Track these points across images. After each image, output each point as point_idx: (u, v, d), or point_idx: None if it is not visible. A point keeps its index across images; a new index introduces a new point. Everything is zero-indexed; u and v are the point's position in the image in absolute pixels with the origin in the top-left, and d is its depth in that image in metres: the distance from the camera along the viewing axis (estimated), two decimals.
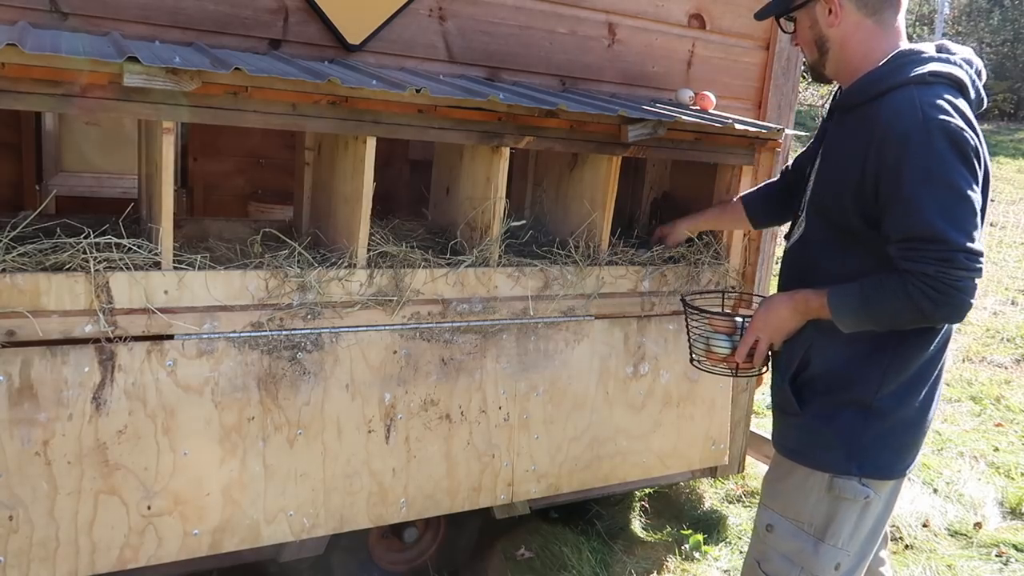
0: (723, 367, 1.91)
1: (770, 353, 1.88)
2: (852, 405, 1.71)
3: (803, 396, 1.78)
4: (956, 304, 1.53)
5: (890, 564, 2.07)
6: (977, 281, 1.54)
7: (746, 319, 1.88)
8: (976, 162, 1.56)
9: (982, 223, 1.64)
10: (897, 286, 1.56)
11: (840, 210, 1.68)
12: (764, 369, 1.91)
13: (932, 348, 1.71)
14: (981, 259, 1.54)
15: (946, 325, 1.71)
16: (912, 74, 1.62)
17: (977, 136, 1.59)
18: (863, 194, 1.63)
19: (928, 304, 1.53)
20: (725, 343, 1.89)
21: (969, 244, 1.52)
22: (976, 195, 1.55)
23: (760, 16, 1.91)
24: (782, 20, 1.86)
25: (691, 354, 1.98)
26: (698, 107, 2.71)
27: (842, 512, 1.74)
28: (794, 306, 1.77)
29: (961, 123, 1.55)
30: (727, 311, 2.11)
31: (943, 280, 1.51)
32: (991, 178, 1.66)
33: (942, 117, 1.54)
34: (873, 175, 1.60)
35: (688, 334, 1.98)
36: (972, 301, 1.55)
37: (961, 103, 1.60)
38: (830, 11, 1.72)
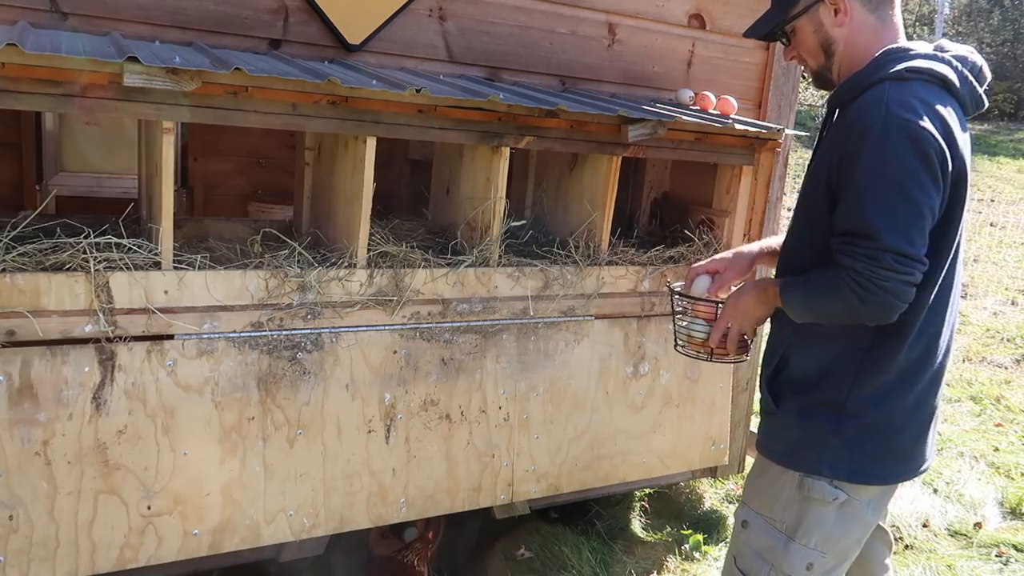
0: (700, 352, 1.95)
1: (748, 342, 1.91)
2: (825, 405, 1.71)
3: (780, 395, 1.79)
4: (881, 303, 1.53)
5: (893, 570, 2.05)
6: (910, 285, 1.53)
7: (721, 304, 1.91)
8: (939, 165, 1.53)
9: (957, 225, 1.62)
10: (831, 280, 1.57)
11: (816, 207, 1.69)
12: (744, 357, 1.94)
13: (914, 354, 1.68)
14: (915, 264, 1.52)
15: (934, 329, 1.69)
16: (890, 71, 1.60)
17: (948, 136, 1.55)
18: (830, 188, 1.63)
19: (855, 300, 1.54)
20: (704, 328, 1.92)
21: (903, 247, 1.50)
22: (929, 200, 1.52)
23: (751, 34, 1.86)
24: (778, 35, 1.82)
25: (675, 339, 2.01)
26: (698, 107, 2.71)
27: (813, 512, 1.73)
28: (757, 295, 1.79)
29: (927, 123, 1.52)
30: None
31: (869, 278, 1.51)
32: (972, 178, 1.63)
33: (905, 115, 1.52)
34: (836, 170, 1.60)
35: (673, 320, 2.01)
36: (901, 304, 1.54)
37: (940, 100, 1.57)
38: (836, 11, 1.70)
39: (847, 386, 1.69)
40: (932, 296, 1.65)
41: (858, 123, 1.57)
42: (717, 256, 2.02)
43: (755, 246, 2.03)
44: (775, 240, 2.03)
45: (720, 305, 1.91)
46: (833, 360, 1.70)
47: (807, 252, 1.74)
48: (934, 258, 1.58)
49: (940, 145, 1.53)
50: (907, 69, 1.60)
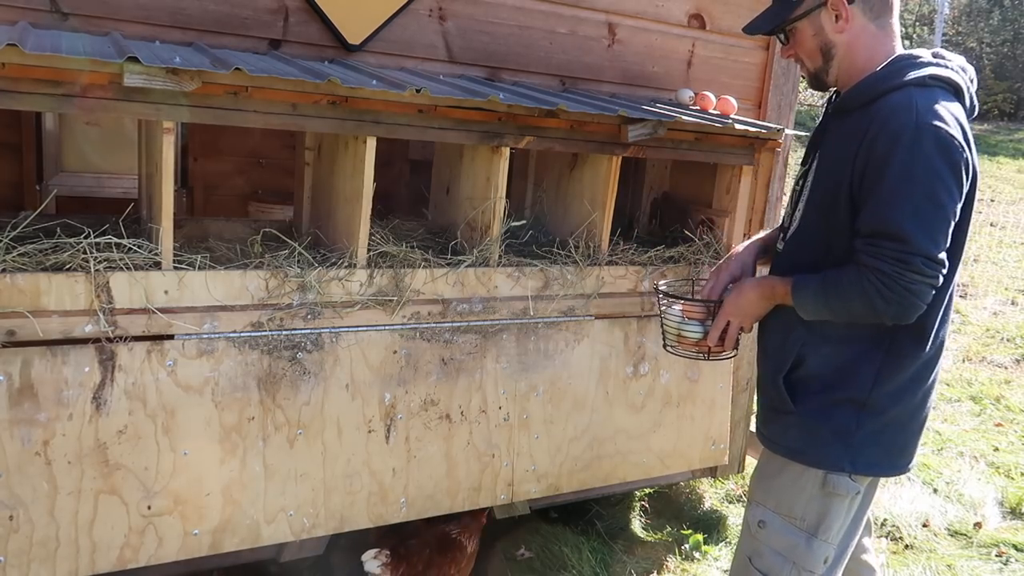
0: (695, 351, 1.95)
1: (739, 337, 1.91)
2: (846, 403, 1.73)
3: (796, 394, 1.80)
4: (906, 305, 1.57)
5: (873, 552, 2.09)
6: (932, 289, 1.57)
7: (717, 304, 1.91)
8: (964, 172, 1.57)
9: (967, 228, 1.66)
10: (854, 279, 1.59)
11: (834, 208, 1.70)
12: (734, 353, 1.94)
13: (927, 352, 1.72)
14: (941, 268, 1.56)
15: (944, 328, 1.73)
16: (911, 76, 1.63)
17: (968, 143, 1.60)
18: (852, 191, 1.65)
19: (880, 302, 1.57)
20: (697, 328, 1.92)
21: (932, 251, 1.54)
22: (953, 205, 1.57)
23: (753, 31, 1.87)
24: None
25: (664, 340, 2.01)
26: (698, 107, 2.71)
27: (834, 508, 1.77)
28: (761, 291, 1.81)
29: (954, 131, 1.56)
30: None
31: (897, 280, 1.54)
32: (979, 181, 1.68)
33: (936, 123, 1.56)
34: (860, 171, 1.62)
35: (661, 321, 2.01)
36: (922, 306, 1.58)
37: (956, 108, 1.62)
38: (837, 17, 1.72)
39: (869, 384, 1.72)
40: (947, 296, 1.70)
41: (886, 127, 1.58)
42: (732, 261, 1.99)
43: (752, 246, 2.03)
44: (765, 235, 2.05)
45: (714, 305, 1.91)
46: (854, 359, 1.73)
47: (820, 252, 1.75)
48: (951, 259, 1.62)
49: (965, 153, 1.57)
50: (930, 76, 1.63)
